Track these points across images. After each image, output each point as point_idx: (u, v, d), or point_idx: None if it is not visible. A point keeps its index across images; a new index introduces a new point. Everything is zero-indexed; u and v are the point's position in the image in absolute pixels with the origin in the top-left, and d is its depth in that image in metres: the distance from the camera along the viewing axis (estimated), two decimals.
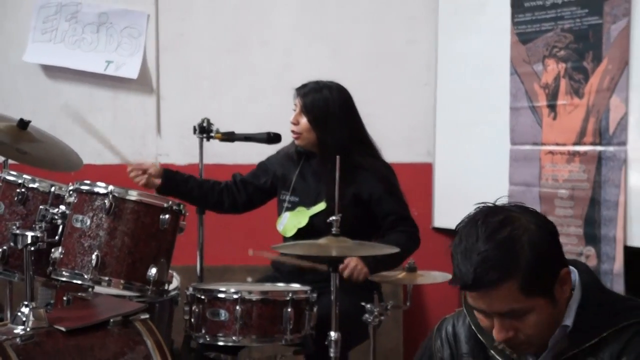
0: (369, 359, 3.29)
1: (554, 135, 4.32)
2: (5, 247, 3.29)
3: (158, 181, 3.66)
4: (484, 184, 4.77)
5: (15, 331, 2.88)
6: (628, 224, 4.01)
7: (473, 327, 2.13)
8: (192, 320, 3.30)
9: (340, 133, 3.64)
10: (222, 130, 3.80)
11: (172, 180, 3.70)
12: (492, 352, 2.07)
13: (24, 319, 2.92)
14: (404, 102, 5.16)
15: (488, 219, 1.95)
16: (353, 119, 3.73)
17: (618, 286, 3.95)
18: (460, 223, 2.02)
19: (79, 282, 3.15)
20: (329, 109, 3.64)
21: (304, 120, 3.64)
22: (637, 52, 3.97)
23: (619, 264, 4.01)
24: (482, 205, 2.02)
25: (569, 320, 1.96)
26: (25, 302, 2.95)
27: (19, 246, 2.98)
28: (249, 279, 3.75)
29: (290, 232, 3.68)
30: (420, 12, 5.10)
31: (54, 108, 4.99)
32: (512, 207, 2.00)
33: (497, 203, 2.03)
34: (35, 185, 3.35)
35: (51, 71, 5.19)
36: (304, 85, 3.70)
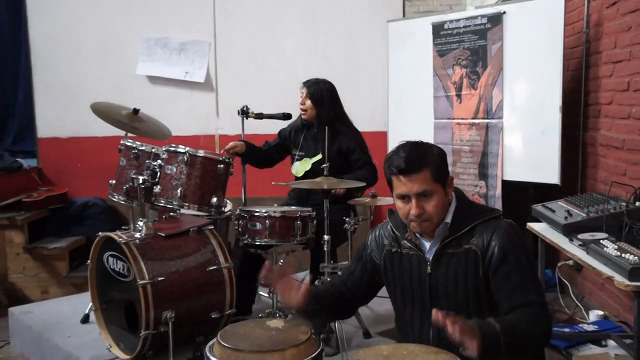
0: (348, 253, 3.28)
1: (460, 113, 4.36)
2: (127, 186, 3.35)
3: (242, 150, 3.62)
4: None
5: (135, 236, 3.00)
6: (504, 166, 4.12)
7: (392, 228, 2.12)
8: (239, 229, 3.24)
9: (329, 111, 3.59)
10: (255, 112, 3.67)
11: (248, 153, 3.67)
12: (404, 241, 2.07)
13: (140, 228, 3.05)
14: (367, 91, 5.15)
15: (407, 142, 1.99)
16: (337, 102, 3.67)
17: (498, 205, 4.08)
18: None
19: (170, 206, 3.17)
20: (324, 95, 3.59)
21: (308, 102, 3.59)
22: (508, 62, 4.10)
23: (498, 191, 4.16)
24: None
25: (448, 219, 1.98)
26: (141, 218, 3.08)
27: (135, 185, 3.08)
28: (275, 205, 3.67)
29: (300, 174, 3.64)
30: (377, 35, 5.06)
31: (154, 100, 5.02)
32: None
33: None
34: (143, 148, 3.37)
35: (152, 79, 5.25)
36: (308, 80, 3.66)
